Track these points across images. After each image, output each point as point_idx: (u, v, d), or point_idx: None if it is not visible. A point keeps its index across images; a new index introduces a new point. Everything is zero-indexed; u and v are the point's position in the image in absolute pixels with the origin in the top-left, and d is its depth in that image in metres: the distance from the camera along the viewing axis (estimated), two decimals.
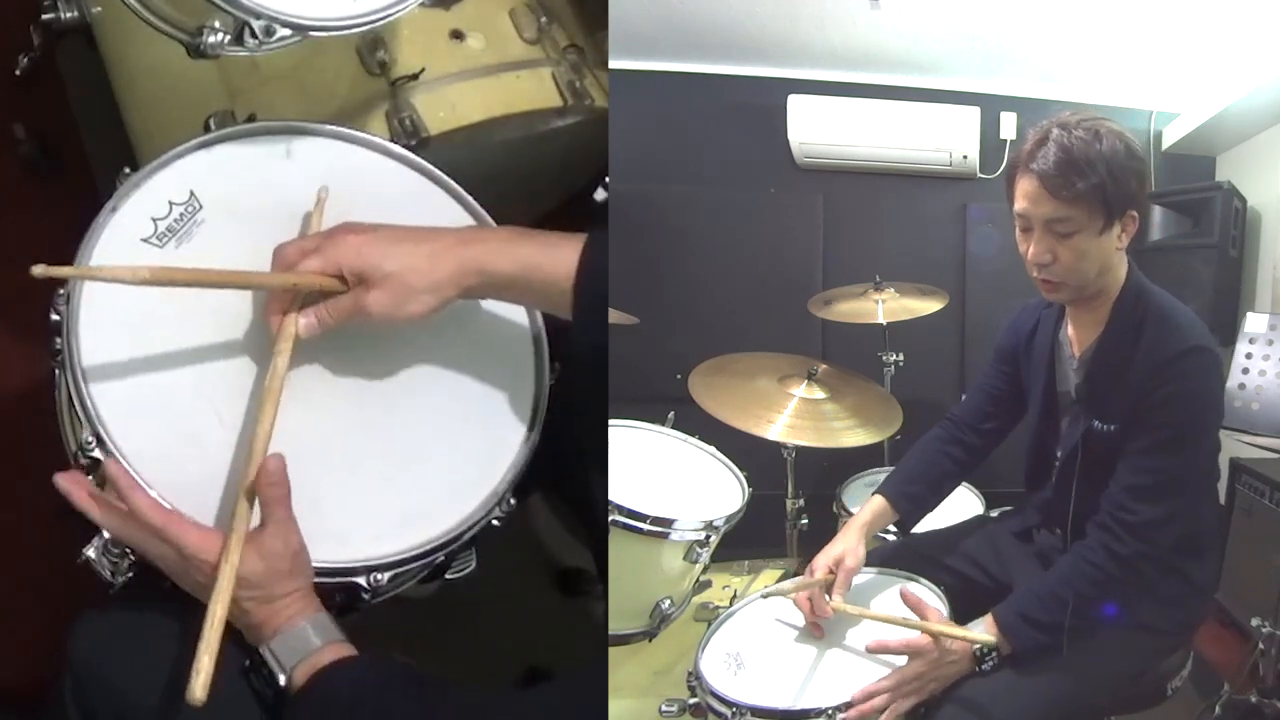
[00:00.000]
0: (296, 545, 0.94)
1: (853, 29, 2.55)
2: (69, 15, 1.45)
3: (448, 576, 1.08)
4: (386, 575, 0.99)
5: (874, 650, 1.20)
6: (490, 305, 1.10)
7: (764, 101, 2.82)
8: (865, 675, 1.18)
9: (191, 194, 1.05)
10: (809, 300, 2.43)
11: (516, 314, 1.14)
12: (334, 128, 1.16)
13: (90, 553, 0.94)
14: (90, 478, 0.94)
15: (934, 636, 1.18)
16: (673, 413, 1.78)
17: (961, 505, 1.94)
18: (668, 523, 1.40)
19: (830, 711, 1.13)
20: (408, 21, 1.34)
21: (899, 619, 1.22)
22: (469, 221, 1.18)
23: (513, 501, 1.08)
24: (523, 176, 1.57)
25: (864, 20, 2.49)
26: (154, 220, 1.03)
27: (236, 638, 0.93)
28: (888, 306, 2.29)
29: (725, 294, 2.80)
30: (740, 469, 1.67)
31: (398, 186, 1.16)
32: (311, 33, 1.10)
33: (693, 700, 1.23)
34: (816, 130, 2.78)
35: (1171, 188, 2.61)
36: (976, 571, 1.41)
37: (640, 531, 1.38)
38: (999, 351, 1.48)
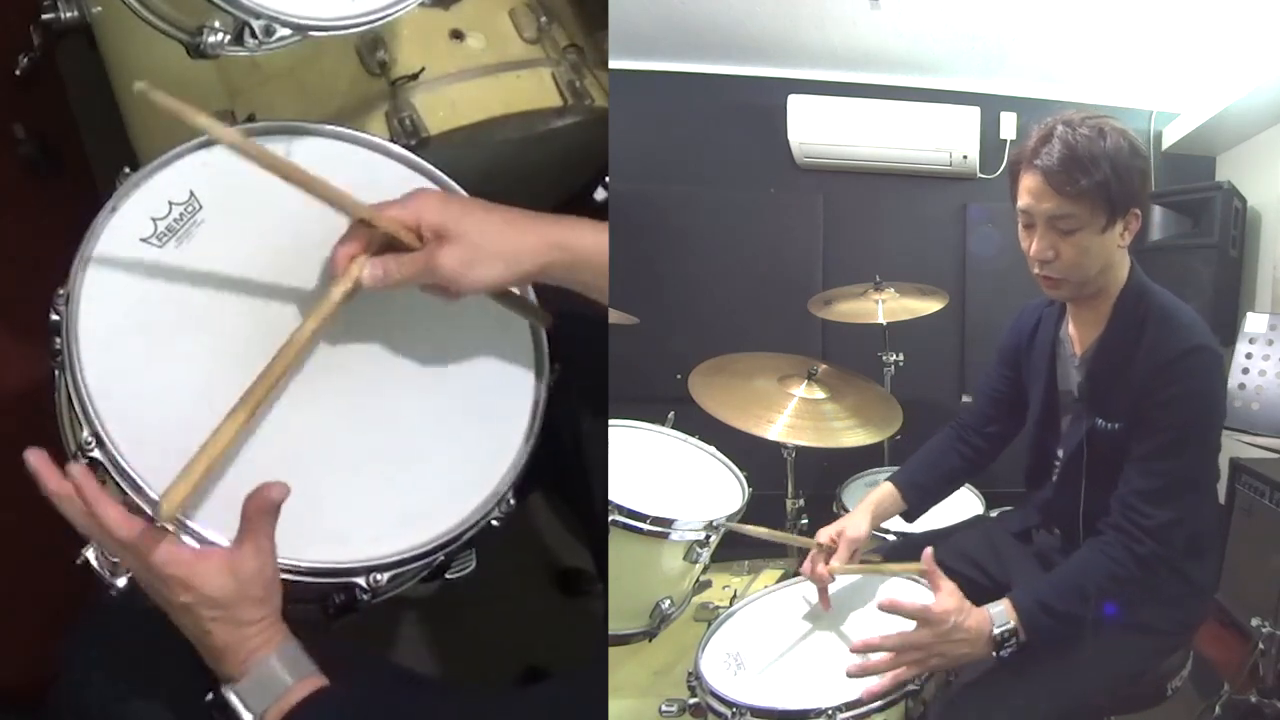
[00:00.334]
0: (271, 573, 0.91)
1: (853, 29, 2.55)
2: (69, 15, 1.45)
3: (448, 576, 1.07)
4: (386, 575, 0.99)
5: (885, 609, 1.16)
6: (490, 305, 1.10)
7: (764, 101, 2.82)
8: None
9: (191, 194, 1.05)
10: (809, 300, 2.43)
11: (516, 314, 1.14)
12: (334, 128, 1.16)
13: (90, 553, 0.93)
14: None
15: (931, 578, 1.18)
16: (673, 413, 1.79)
17: (961, 505, 1.94)
18: (668, 523, 1.40)
19: (830, 711, 1.12)
20: (407, 21, 1.34)
21: (896, 567, 1.21)
22: None
23: (513, 501, 1.07)
24: (523, 176, 1.57)
25: (864, 20, 2.49)
26: (154, 220, 1.03)
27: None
28: (888, 306, 2.29)
29: (725, 294, 2.80)
30: (740, 469, 1.67)
31: (398, 186, 1.16)
32: (311, 33, 1.10)
33: (693, 700, 1.23)
34: (816, 130, 2.78)
35: (1171, 188, 2.60)
36: (975, 571, 1.41)
37: (640, 531, 1.38)
38: (1001, 353, 1.48)
